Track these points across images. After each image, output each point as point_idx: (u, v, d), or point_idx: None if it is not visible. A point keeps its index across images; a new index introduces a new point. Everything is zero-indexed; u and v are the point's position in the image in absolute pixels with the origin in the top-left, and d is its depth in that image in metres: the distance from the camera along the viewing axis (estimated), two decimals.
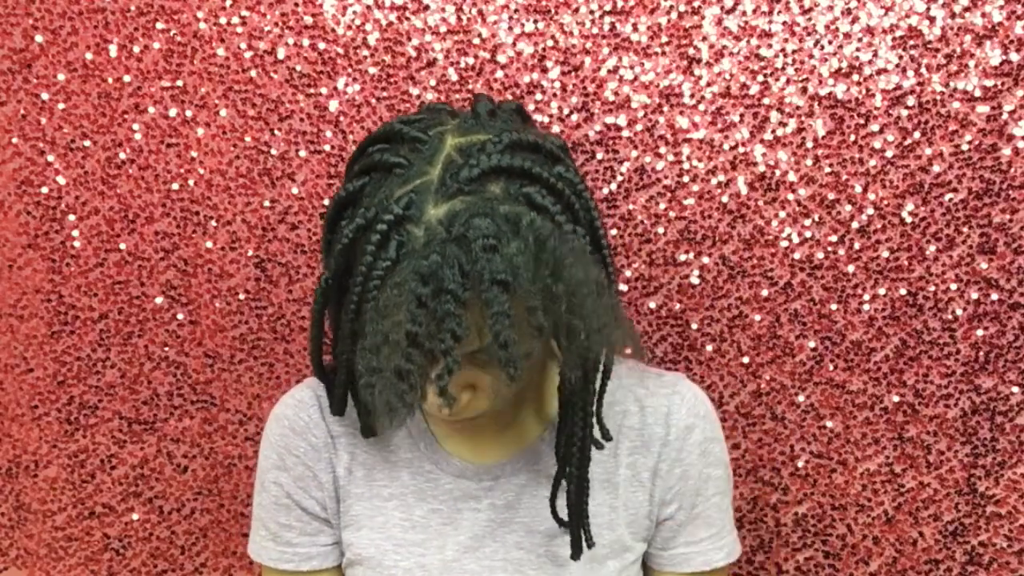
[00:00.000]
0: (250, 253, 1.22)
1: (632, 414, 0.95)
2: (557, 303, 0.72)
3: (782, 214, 1.16)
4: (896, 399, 1.18)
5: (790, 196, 1.16)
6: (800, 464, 1.21)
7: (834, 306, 1.17)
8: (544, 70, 1.16)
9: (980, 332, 1.16)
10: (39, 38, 1.20)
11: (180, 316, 1.23)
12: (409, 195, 0.75)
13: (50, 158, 1.22)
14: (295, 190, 1.20)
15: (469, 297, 0.71)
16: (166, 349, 1.24)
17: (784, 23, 1.13)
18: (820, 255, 1.17)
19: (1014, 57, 1.11)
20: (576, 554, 0.90)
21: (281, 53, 1.18)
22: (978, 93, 1.12)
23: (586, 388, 0.86)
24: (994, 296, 1.15)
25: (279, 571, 0.97)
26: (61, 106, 1.21)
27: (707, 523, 0.96)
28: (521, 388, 0.86)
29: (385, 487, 0.94)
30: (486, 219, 0.72)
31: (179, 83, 1.19)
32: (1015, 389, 1.17)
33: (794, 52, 1.14)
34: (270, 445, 0.96)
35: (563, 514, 0.91)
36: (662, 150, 1.16)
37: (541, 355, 0.89)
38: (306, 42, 1.17)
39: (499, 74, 1.16)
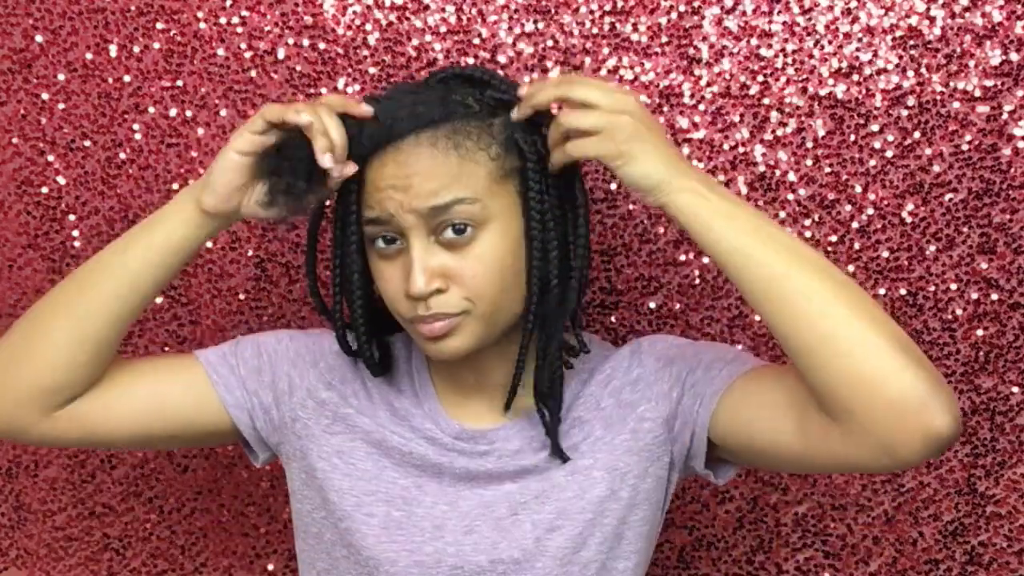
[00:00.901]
0: (250, 253, 1.22)
1: (603, 364, 0.98)
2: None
3: (782, 214, 1.16)
4: None
5: (790, 196, 1.16)
6: None
7: None
8: (544, 70, 1.16)
9: (980, 332, 1.16)
10: (39, 38, 1.20)
11: (180, 316, 1.23)
12: None
13: (50, 158, 1.22)
14: None
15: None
16: (166, 349, 1.24)
17: (784, 23, 1.13)
18: None
19: (1014, 57, 1.11)
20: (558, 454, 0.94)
21: (281, 53, 1.18)
22: (978, 93, 1.12)
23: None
24: (994, 296, 1.15)
25: (199, 364, 0.97)
26: (61, 106, 1.21)
27: (712, 359, 0.94)
28: (502, 308, 0.88)
29: (383, 426, 0.97)
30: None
31: (179, 83, 1.19)
32: (1015, 389, 1.17)
33: (794, 52, 1.14)
34: (290, 337, 1.00)
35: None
36: None
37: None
38: (306, 42, 1.17)
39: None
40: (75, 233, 1.22)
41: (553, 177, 0.89)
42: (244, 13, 1.18)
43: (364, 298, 0.92)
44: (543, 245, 0.88)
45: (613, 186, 1.17)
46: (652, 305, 1.19)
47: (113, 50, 1.19)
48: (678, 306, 1.19)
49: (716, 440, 0.92)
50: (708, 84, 1.15)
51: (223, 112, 1.19)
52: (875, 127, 1.14)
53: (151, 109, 1.20)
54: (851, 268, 1.16)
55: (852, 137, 1.14)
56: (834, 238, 1.16)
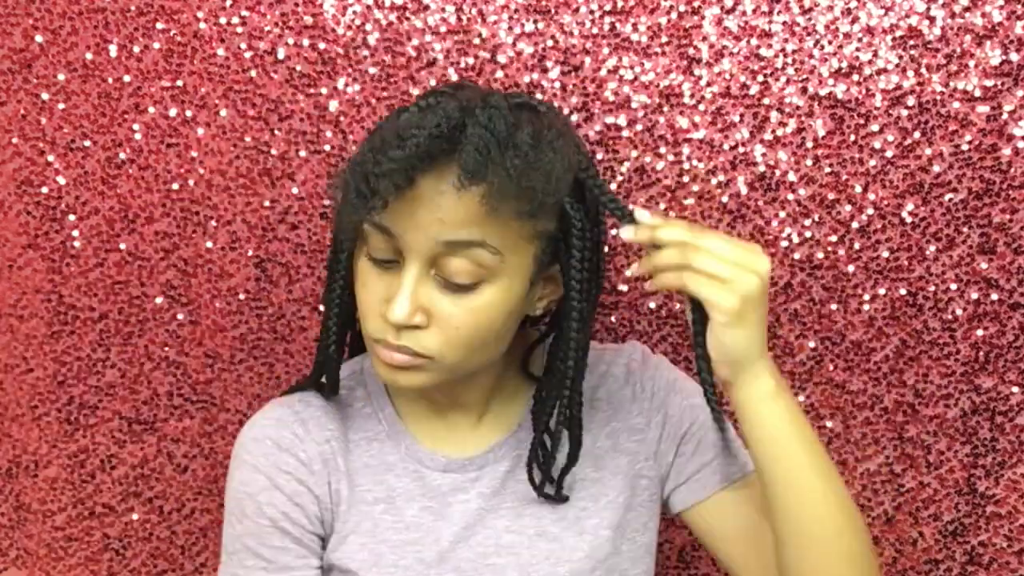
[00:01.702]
0: (250, 253, 1.22)
1: (600, 387, 0.98)
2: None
3: (782, 214, 1.16)
4: (896, 399, 1.18)
5: (790, 196, 1.16)
6: None
7: (834, 306, 1.17)
8: (544, 70, 1.16)
9: (980, 332, 1.16)
10: (39, 38, 1.20)
11: (180, 316, 1.23)
12: None
13: (50, 158, 1.22)
14: (295, 190, 1.20)
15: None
16: (166, 349, 1.24)
17: (784, 23, 1.13)
18: (820, 255, 1.17)
19: (1014, 57, 1.11)
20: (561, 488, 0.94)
21: (281, 53, 1.18)
22: (978, 93, 1.12)
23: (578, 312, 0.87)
24: (994, 296, 1.15)
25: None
26: (61, 106, 1.21)
27: (711, 444, 0.97)
28: (471, 364, 0.85)
29: (368, 491, 0.93)
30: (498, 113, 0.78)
31: (179, 83, 1.19)
32: (1015, 389, 1.17)
33: (794, 52, 1.14)
34: (254, 468, 0.91)
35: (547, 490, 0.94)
36: (662, 150, 1.16)
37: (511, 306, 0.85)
38: (306, 42, 1.17)
39: (499, 74, 1.16)
40: (75, 233, 1.22)
41: (589, 249, 0.85)
42: (244, 13, 1.18)
43: (344, 294, 0.89)
44: (579, 314, 0.85)
45: (613, 186, 1.17)
46: (652, 305, 1.19)
47: (113, 50, 1.19)
48: (678, 306, 1.19)
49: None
50: (708, 84, 1.15)
51: (223, 112, 1.19)
52: (875, 127, 1.14)
53: (151, 109, 1.20)
54: (851, 268, 1.16)
55: (852, 137, 1.14)
56: (834, 238, 1.16)
